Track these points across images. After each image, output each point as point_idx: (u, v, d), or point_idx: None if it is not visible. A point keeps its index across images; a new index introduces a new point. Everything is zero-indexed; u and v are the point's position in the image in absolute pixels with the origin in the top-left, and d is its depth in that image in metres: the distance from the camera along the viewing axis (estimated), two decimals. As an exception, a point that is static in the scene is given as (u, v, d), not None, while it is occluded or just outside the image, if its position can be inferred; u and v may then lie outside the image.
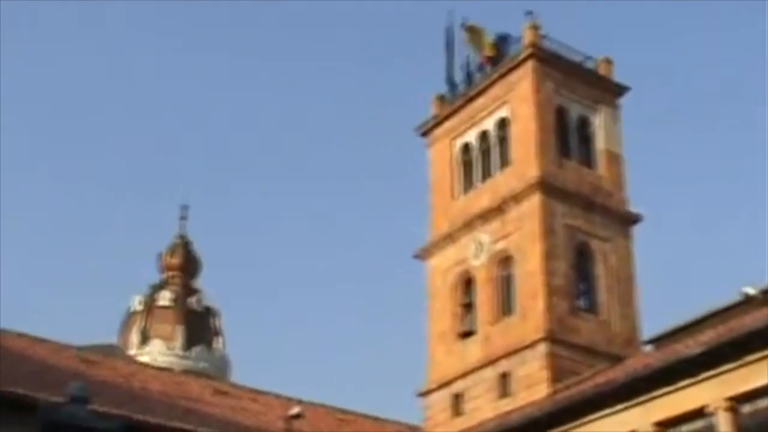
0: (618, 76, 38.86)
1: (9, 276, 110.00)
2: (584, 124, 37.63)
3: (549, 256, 34.06)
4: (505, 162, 36.94)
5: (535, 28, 37.17)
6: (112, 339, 67.04)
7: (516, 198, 35.17)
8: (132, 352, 65.14)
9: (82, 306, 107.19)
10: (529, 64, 36.60)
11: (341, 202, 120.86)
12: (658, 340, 30.69)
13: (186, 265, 73.72)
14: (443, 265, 37.31)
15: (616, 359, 32.73)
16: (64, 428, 13.20)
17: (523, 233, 34.73)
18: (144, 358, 58.46)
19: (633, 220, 36.84)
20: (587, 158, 37.28)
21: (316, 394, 45.61)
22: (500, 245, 35.49)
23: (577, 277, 35.00)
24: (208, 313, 72.30)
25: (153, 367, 41.81)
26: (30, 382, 29.90)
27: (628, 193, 37.37)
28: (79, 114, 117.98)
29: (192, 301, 71.61)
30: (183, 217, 76.10)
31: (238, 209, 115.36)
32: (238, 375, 63.54)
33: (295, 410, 35.37)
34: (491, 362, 34.11)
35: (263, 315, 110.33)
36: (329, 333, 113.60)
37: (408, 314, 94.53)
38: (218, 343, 71.67)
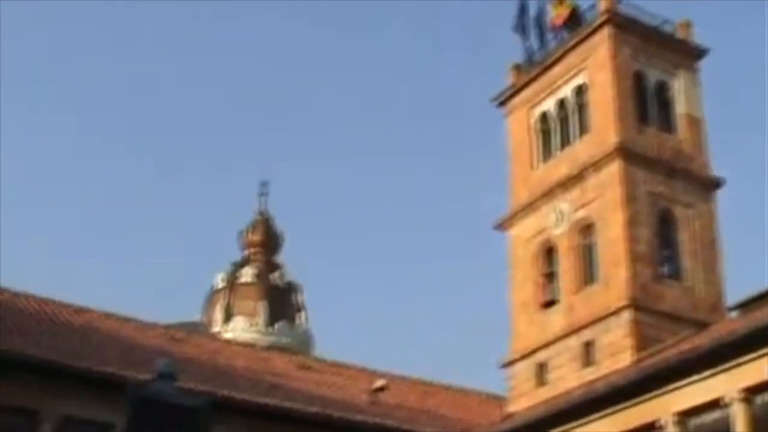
0: (697, 39, 38.36)
1: (95, 257, 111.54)
2: (663, 89, 37.22)
3: (631, 223, 33.80)
4: (583, 129, 36.70)
5: (611, -7, 36.83)
6: (197, 317, 67.73)
7: (596, 165, 34.93)
8: (216, 329, 65.69)
9: (166, 285, 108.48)
10: (606, 30, 36.26)
11: (421, 175, 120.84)
12: (744, 306, 30.33)
13: (267, 241, 74.09)
14: (524, 234, 37.19)
15: (701, 326, 32.42)
16: (152, 405, 13.35)
17: (604, 201, 34.50)
18: (228, 335, 58.91)
19: (715, 184, 36.42)
20: (667, 123, 36.89)
21: (399, 367, 45.82)
22: (581, 213, 35.30)
23: (660, 243, 34.70)
24: (290, 288, 72.64)
25: (237, 344, 42.17)
26: (118, 361, 30.36)
27: (710, 157, 36.94)
28: (158, 90, 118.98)
29: (274, 276, 71.99)
30: (263, 194, 76.51)
31: (317, 184, 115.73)
32: (321, 349, 63.90)
33: (380, 383, 35.60)
34: (574, 331, 33.98)
35: (345, 289, 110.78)
36: (411, 305, 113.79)
37: (490, 285, 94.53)
38: (301, 318, 72.01)
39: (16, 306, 33.51)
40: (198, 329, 49.06)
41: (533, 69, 39.17)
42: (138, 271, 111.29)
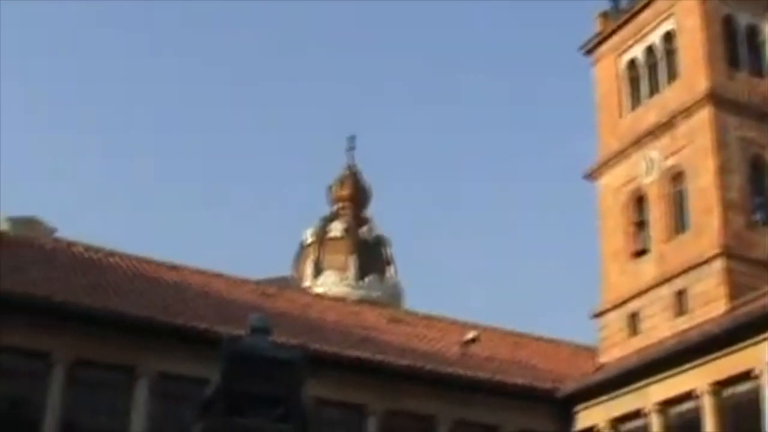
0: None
1: (186, 214, 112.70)
2: (753, 33, 36.57)
3: (722, 170, 33.36)
4: (672, 76, 36.22)
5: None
6: (287, 272, 68.21)
7: (686, 112, 34.48)
8: (306, 284, 66.11)
9: (257, 241, 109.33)
10: (693, -26, 35.70)
11: (509, 125, 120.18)
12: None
13: (355, 195, 74.26)
14: (614, 183, 36.88)
15: (796, 273, 32.00)
16: (247, 359, 13.49)
17: (695, 148, 34.07)
18: (318, 290, 59.25)
19: (809, 128, 35.78)
20: (758, 68, 36.26)
21: (490, 319, 45.75)
22: (671, 161, 34.91)
23: (752, 190, 34.19)
24: (378, 242, 72.82)
25: (328, 298, 42.42)
26: (211, 316, 30.74)
27: (802, 101, 36.27)
28: (249, 46, 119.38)
29: (363, 231, 72.23)
30: (350, 148, 76.71)
31: (403, 136, 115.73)
32: (411, 303, 64.04)
33: (471, 335, 35.63)
34: (666, 280, 33.67)
35: (434, 242, 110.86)
36: (501, 256, 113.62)
37: (580, 235, 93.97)
38: (390, 272, 72.20)
39: (110, 264, 34.04)
40: (288, 284, 49.38)
41: (621, 16, 38.71)
42: (228, 228, 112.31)
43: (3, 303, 27.57)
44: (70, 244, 34.98)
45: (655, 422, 30.62)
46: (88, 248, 34.90)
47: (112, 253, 35.19)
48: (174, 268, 35.98)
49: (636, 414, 31.29)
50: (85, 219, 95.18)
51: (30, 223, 43.97)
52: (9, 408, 28.67)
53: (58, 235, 38.36)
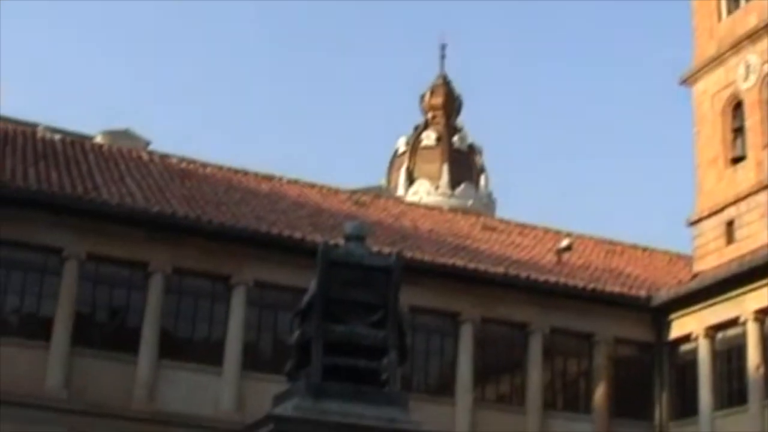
0: None
1: (278, 125, 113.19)
2: None
3: (822, 74, 32.61)
4: (773, -23, 35.32)
5: None
6: (380, 181, 68.40)
7: (786, 15, 33.67)
8: (399, 193, 66.24)
9: (349, 151, 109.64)
10: None
11: (600, 27, 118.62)
12: None
13: (447, 104, 74.03)
14: (711, 89, 36.18)
15: None
16: (343, 266, 13.55)
17: (795, 52, 33.31)
18: (411, 199, 59.34)
19: None
20: None
21: (583, 227, 45.51)
22: (770, 66, 34.17)
23: None
24: (471, 151, 72.67)
25: (422, 206, 42.44)
26: (305, 225, 30.96)
27: None
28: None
29: (455, 139, 72.07)
30: (442, 56, 76.38)
31: (495, 46, 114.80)
32: (504, 212, 63.89)
33: (565, 242, 35.50)
34: (764, 187, 33.07)
35: (525, 150, 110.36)
36: (594, 164, 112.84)
37: (674, 141, 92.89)
38: (483, 181, 72.07)
39: (205, 175, 34.36)
40: (382, 194, 49.49)
41: None
42: (321, 137, 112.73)
43: (100, 214, 28.00)
44: (165, 156, 35.35)
45: (752, 330, 30.32)
46: (182, 160, 35.25)
47: (206, 165, 35.51)
48: (268, 178, 36.24)
49: (732, 322, 31.01)
50: (177, 133, 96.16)
51: (124, 135, 44.57)
52: (109, 317, 29.27)
53: (151, 147, 38.85)
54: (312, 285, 13.66)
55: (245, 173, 35.99)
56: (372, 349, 13.46)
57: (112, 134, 44.69)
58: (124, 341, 28.30)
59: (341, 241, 14.83)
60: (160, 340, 28.26)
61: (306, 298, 13.72)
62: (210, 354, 28.82)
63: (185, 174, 33.84)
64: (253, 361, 28.97)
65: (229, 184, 34.18)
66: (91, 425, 26.70)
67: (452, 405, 30.43)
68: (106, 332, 29.03)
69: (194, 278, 29.05)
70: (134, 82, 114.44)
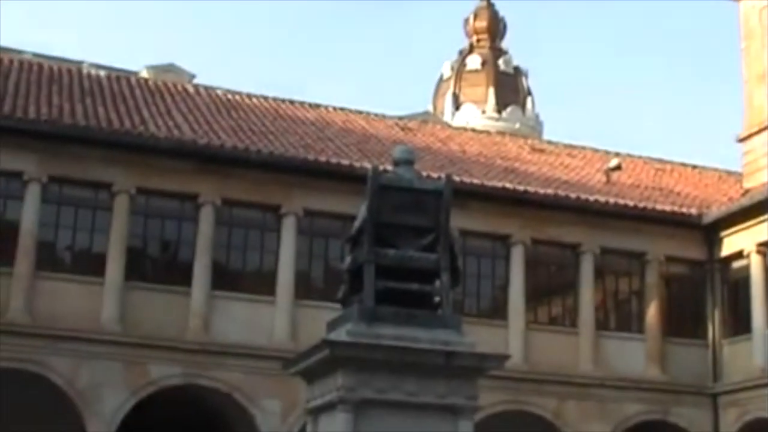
0: None
1: (324, 53, 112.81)
2: None
3: None
4: None
5: None
6: (427, 107, 68.25)
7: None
8: (445, 118, 66.08)
9: (395, 77, 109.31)
10: None
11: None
12: None
13: (491, 27, 73.62)
14: (759, 3, 35.64)
15: None
16: (394, 191, 13.51)
17: None
18: (457, 124, 59.17)
19: None
20: None
21: (632, 148, 45.19)
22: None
23: None
24: (517, 73, 72.31)
25: (469, 130, 42.30)
26: (353, 152, 30.98)
27: None
28: None
29: (500, 62, 71.69)
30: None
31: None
32: (551, 134, 63.67)
33: (614, 163, 35.37)
34: (816, 100, 32.79)
35: (571, 72, 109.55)
36: (641, 83, 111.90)
37: (722, 57, 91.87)
38: (529, 103, 71.77)
39: (251, 106, 34.44)
40: (429, 119, 49.39)
41: None
42: (367, 65, 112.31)
43: (148, 148, 28.10)
44: (210, 89, 35.42)
45: (805, 245, 30.18)
46: (227, 91, 35.31)
47: (251, 96, 35.55)
48: (314, 107, 36.29)
49: (784, 238, 30.86)
50: (222, 66, 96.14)
51: (169, 70, 44.70)
52: (161, 250, 29.55)
53: (196, 81, 38.91)
54: (362, 210, 13.65)
55: (291, 102, 36.05)
56: (424, 273, 13.47)
57: (157, 69, 44.83)
58: (177, 274, 28.52)
59: (389, 168, 14.81)
60: (213, 271, 28.43)
61: (356, 223, 13.72)
62: (262, 284, 28.98)
63: (231, 105, 33.92)
64: (305, 289, 29.13)
65: (275, 113, 34.21)
66: (146, 357, 27.05)
67: (505, 327, 30.50)
68: (159, 266, 29.29)
69: (244, 209, 29.15)
70: (176, 18, 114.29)
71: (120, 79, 33.91)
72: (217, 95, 34.70)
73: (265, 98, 35.72)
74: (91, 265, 27.81)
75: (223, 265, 29.12)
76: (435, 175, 24.69)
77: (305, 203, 29.29)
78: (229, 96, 34.91)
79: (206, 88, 35.51)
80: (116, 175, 27.90)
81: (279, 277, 28.90)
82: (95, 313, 27.10)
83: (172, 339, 27.36)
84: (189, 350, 27.45)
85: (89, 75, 33.40)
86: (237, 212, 29.16)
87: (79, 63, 34.30)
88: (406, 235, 13.52)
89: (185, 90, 34.82)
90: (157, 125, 29.51)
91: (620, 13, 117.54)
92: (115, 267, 27.55)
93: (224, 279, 28.80)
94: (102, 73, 34.00)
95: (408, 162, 14.01)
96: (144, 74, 38.78)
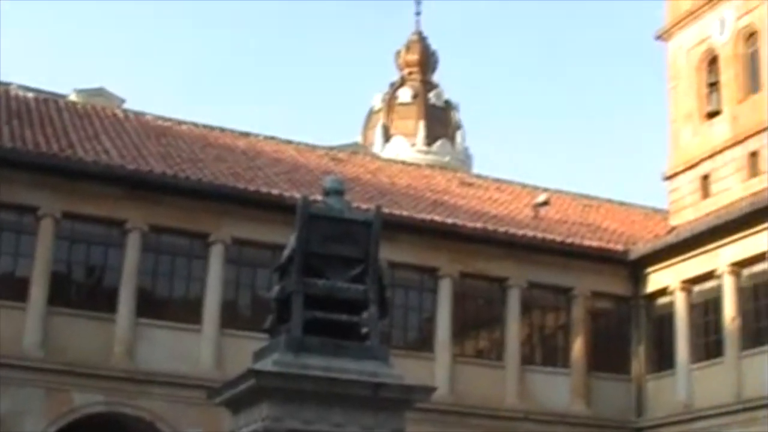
0: None
1: (255, 82, 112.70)
2: None
3: (797, 26, 32.60)
4: (747, -69, 35.22)
5: None
6: (356, 138, 68.23)
7: (761, -30, 33.61)
8: (375, 150, 66.08)
9: (325, 108, 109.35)
10: None
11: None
12: None
13: (423, 60, 73.78)
14: (686, 44, 36.16)
15: None
16: (323, 221, 13.51)
17: (769, 6, 33.28)
18: (387, 156, 59.19)
19: None
20: None
21: (560, 183, 45.51)
22: (745, 20, 34.15)
23: (829, 48, 33.46)
24: (447, 107, 72.53)
25: (399, 162, 42.36)
26: (283, 182, 30.90)
27: None
28: None
29: (431, 96, 71.89)
30: (417, 13, 76.14)
31: (469, 3, 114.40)
32: (480, 168, 63.91)
33: (542, 198, 35.57)
34: (739, 142, 33.15)
35: (501, 107, 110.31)
36: (568, 120, 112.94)
37: (649, 97, 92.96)
38: (459, 137, 71.99)
39: (181, 133, 34.22)
40: (358, 150, 49.39)
41: None
42: (297, 96, 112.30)
43: (76, 172, 27.83)
44: (140, 114, 35.17)
45: (728, 283, 30.49)
46: (158, 117, 35.08)
47: (181, 122, 35.36)
48: (245, 135, 36.15)
49: (708, 275, 31.18)
50: (151, 91, 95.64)
51: (99, 94, 44.25)
52: (86, 275, 29.22)
53: (126, 106, 38.62)
54: (291, 240, 13.62)
55: (221, 130, 35.86)
56: (352, 303, 13.47)
57: (86, 93, 44.37)
58: (102, 300, 28.25)
59: (319, 198, 14.80)
60: (138, 298, 28.20)
61: (286, 252, 13.69)
62: (188, 312, 28.80)
63: (161, 131, 33.69)
64: (231, 318, 28.98)
65: (205, 141, 34.04)
66: (69, 384, 26.72)
67: (431, 360, 30.55)
68: (83, 291, 28.99)
69: (172, 236, 28.96)
70: (107, 42, 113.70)
71: (48, 101, 33.53)
72: (146, 121, 34.45)
73: (195, 125, 35.53)
74: (14, 289, 27.43)
75: (149, 292, 28.88)
76: (364, 206, 24.60)
77: (234, 232, 29.17)
78: (159, 122, 34.66)
79: (136, 113, 35.21)
80: (42, 199, 27.59)
81: (205, 305, 28.74)
82: (17, 338, 26.70)
83: (95, 366, 27.05)
84: (113, 378, 27.15)
85: (17, 97, 32.97)
86: (164, 239, 28.97)
87: (7, 85, 33.83)
88: (335, 266, 13.51)
89: (114, 115, 34.52)
90: (85, 149, 29.23)
91: (550, 51, 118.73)
92: (38, 291, 27.20)
93: (150, 306, 28.57)
94: (30, 95, 33.59)
95: (338, 192, 14.01)
96: (73, 98, 38.32)
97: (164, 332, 28.25)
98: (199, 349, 28.40)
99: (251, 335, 23.36)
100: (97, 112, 33.99)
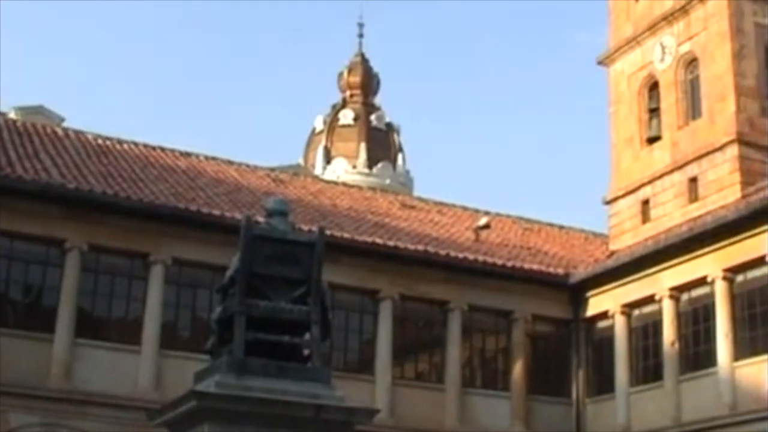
0: None
1: (196, 103, 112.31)
2: None
3: (738, 56, 32.93)
4: (688, -40, 35.62)
5: None
6: (298, 160, 68.24)
7: (701, -3, 34.00)
8: (316, 171, 66.10)
9: (267, 129, 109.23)
10: None
11: (518, 9, 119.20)
12: None
13: (365, 82, 73.99)
14: (627, 69, 36.50)
15: (810, 160, 31.88)
16: (266, 241, 13.45)
17: (710, 34, 33.64)
18: (328, 177, 59.20)
19: (825, 16, 35.36)
20: (775, -48, 35.64)
21: (501, 206, 45.66)
22: (686, 47, 34.53)
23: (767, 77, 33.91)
24: (389, 129, 72.72)
25: (341, 184, 42.35)
26: (224, 203, 30.78)
27: (821, -14, 35.78)
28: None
29: (373, 118, 72.05)
30: (360, 35, 76.34)
31: (411, 24, 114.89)
32: (421, 191, 64.10)
33: (483, 221, 35.71)
34: (679, 167, 33.52)
35: (443, 130, 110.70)
36: (511, 143, 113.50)
37: (591, 122, 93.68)
38: (400, 160, 72.18)
39: (121, 152, 33.99)
40: (300, 172, 49.35)
41: None
42: (239, 115, 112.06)
43: (15, 190, 27.51)
44: (80, 132, 34.87)
45: (667, 308, 30.72)
46: (98, 136, 34.81)
47: (122, 141, 35.12)
48: (186, 155, 35.98)
49: (648, 300, 31.39)
50: (92, 110, 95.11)
51: (38, 112, 43.89)
52: (24, 294, 28.83)
53: (66, 124, 38.31)
54: (234, 260, 13.54)
55: (162, 150, 35.65)
56: (295, 325, 13.41)
57: (26, 111, 44.03)
58: (39, 320, 27.90)
59: (261, 219, 14.74)
60: (77, 318, 27.91)
61: (228, 273, 13.61)
62: (128, 332, 28.56)
63: (101, 150, 33.43)
64: (171, 339, 28.77)
65: (146, 161, 33.82)
66: (5, 405, 26.34)
67: (372, 383, 30.49)
68: (21, 311, 28.62)
69: (112, 256, 28.71)
70: (46, 60, 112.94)
71: (-14, 119, 33.20)
72: (87, 139, 34.15)
73: (136, 144, 35.29)
74: (-50, 308, 27.09)
75: (88, 312, 28.60)
76: (306, 227, 24.60)
77: (174, 252, 28.99)
78: (99, 141, 34.38)
79: (76, 131, 34.88)
80: (-20, 218, 27.25)
81: (145, 325, 28.50)
82: (-48, 358, 26.34)
83: (32, 386, 26.69)
84: (50, 398, 26.81)
85: (-46, 114, 32.64)
86: (104, 259, 28.70)
87: (-56, 102, 33.49)
88: (278, 287, 13.45)
89: (54, 133, 34.20)
90: (25, 168, 28.91)
91: (493, 75, 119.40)
92: (-25, 311, 26.88)
93: (89, 326, 28.29)
94: (-33, 113, 33.26)
95: (282, 213, 13.96)
96: (12, 115, 38.01)
97: (103, 353, 27.98)
98: (138, 369, 28.15)
99: (191, 356, 23.27)
100: (36, 130, 33.68)
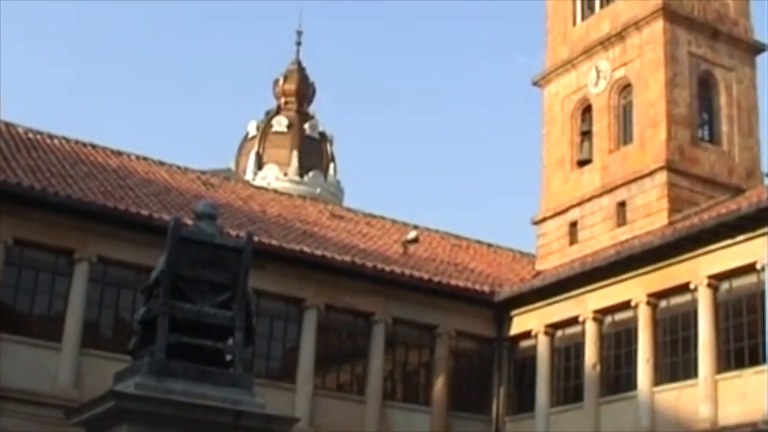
0: None
1: (131, 101, 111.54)
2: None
3: (671, 84, 33.39)
4: (626, -13, 35.97)
5: None
6: (229, 164, 67.96)
7: (638, 25, 34.35)
8: (247, 176, 65.85)
9: (200, 131, 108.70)
10: None
11: (457, 28, 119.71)
12: (780, 171, 30.14)
13: (301, 91, 73.88)
14: (562, 92, 36.82)
15: (736, 191, 32.32)
16: (194, 245, 13.37)
17: (644, 61, 34.05)
18: (259, 183, 58.98)
19: (758, 49, 35.86)
20: (711, -17, 36.13)
21: (429, 220, 45.72)
22: (620, 73, 34.90)
23: (699, 106, 34.32)
24: (322, 139, 72.66)
25: (271, 191, 42.20)
26: (153, 203, 30.57)
27: (753, 21, 36.32)
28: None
29: (306, 127, 71.95)
30: (298, 43, 76.22)
31: (348, 36, 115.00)
32: (351, 201, 64.09)
33: (412, 234, 35.75)
34: (608, 191, 33.87)
35: (375, 142, 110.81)
36: (442, 159, 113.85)
37: (522, 141, 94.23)
38: (332, 169, 72.14)
39: (52, 147, 33.63)
40: (230, 176, 49.13)
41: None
42: (172, 116, 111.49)
43: (-59, 181, 27.15)
44: (11, 125, 34.44)
45: (590, 330, 30.93)
46: (29, 130, 34.40)
47: (53, 136, 34.73)
48: (117, 153, 35.64)
49: (572, 321, 31.58)
50: (22, 103, 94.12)
51: (-34, 103, 43.15)
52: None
53: (-4, 116, 37.80)
54: (160, 261, 13.45)
55: (93, 147, 35.30)
56: (218, 329, 13.36)
57: (-45, 101, 43.50)
58: (-41, 313, 27.53)
59: (190, 221, 14.65)
60: (-2, 312, 27.58)
61: (154, 274, 13.52)
62: (49, 329, 28.22)
63: (32, 144, 33.04)
64: (93, 338, 28.50)
65: (76, 157, 33.47)
66: None
67: (293, 391, 30.40)
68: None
69: (36, 251, 28.37)
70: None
71: None
72: (17, 132, 33.72)
73: (67, 140, 34.91)
74: None
75: (9, 307, 28.25)
76: (234, 233, 24.50)
77: (100, 250, 28.73)
78: (30, 134, 33.98)
79: (6, 124, 34.43)
80: None
81: (67, 323, 28.17)
82: None
83: (-51, 381, 26.32)
84: (-33, 393, 26.45)
85: None
86: (29, 253, 28.35)
87: None
88: (203, 290, 13.39)
89: (-17, 125, 33.79)
90: (-49, 159, 28.56)
91: (427, 89, 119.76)
92: None
93: (10, 321, 27.90)
94: None
95: (210, 216, 13.88)
96: (-60, 106, 37.47)
97: (23, 348, 27.60)
98: (58, 367, 27.84)
99: (112, 356, 23.08)
100: (-36, 122, 33.25)
